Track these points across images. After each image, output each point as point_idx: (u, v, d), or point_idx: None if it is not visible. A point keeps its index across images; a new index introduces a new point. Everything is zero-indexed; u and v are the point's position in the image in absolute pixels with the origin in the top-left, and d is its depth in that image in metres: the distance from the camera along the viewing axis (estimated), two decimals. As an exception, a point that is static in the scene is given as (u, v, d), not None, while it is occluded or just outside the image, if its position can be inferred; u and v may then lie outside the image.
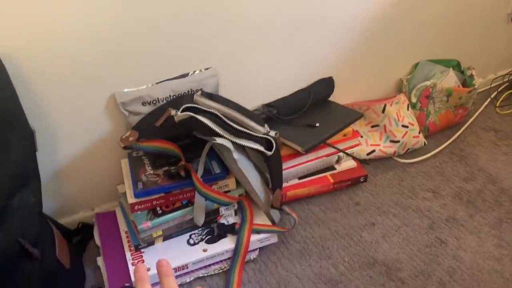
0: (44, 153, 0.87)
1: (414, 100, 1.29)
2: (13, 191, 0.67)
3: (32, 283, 0.70)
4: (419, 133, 1.23)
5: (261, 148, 0.87)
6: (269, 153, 0.87)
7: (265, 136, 0.89)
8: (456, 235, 1.00)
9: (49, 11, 0.75)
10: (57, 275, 0.78)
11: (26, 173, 0.71)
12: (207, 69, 0.97)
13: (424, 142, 1.26)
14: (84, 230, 0.99)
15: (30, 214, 0.71)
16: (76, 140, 0.91)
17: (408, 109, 1.23)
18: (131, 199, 0.86)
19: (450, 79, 1.33)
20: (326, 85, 1.17)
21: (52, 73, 0.81)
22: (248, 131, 0.88)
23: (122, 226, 0.95)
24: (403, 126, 1.20)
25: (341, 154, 1.12)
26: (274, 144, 0.87)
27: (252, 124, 0.90)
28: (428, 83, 1.28)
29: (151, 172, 0.89)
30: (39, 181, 0.76)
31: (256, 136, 0.88)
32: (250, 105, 1.07)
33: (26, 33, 0.75)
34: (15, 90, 0.72)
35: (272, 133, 0.90)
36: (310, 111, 1.11)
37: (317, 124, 1.06)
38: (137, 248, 0.89)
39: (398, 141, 1.21)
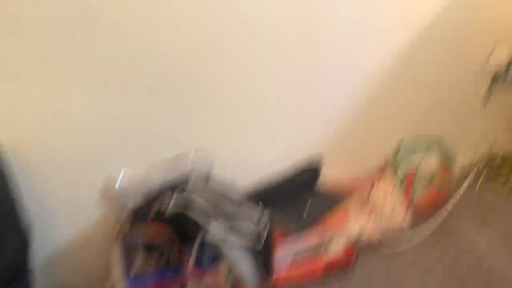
0: (38, 239, 0.87)
1: (399, 182, 1.33)
2: (5, 286, 0.67)
3: None
4: (405, 213, 1.26)
5: (252, 243, 0.89)
6: (260, 244, 0.88)
7: (256, 227, 0.91)
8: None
9: (42, 105, 0.79)
10: None
11: (19, 267, 0.72)
12: (199, 151, 1.00)
13: (410, 223, 1.28)
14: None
15: (21, 309, 0.70)
16: (69, 226, 0.92)
17: (394, 191, 1.27)
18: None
19: (433, 158, 1.38)
20: (313, 173, 1.22)
21: (48, 162, 0.83)
22: (240, 222, 0.90)
23: (112, 313, 0.93)
24: (389, 208, 1.24)
25: (329, 238, 1.13)
26: (265, 236, 0.89)
27: (244, 210, 0.92)
28: (411, 166, 1.32)
29: (144, 259, 0.90)
30: (31, 273, 0.76)
31: (248, 225, 0.90)
32: (242, 182, 1.10)
33: (24, 124, 0.78)
34: (15, 184, 0.74)
35: (263, 223, 0.92)
36: (297, 198, 1.15)
37: (305, 212, 1.09)
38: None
39: (385, 222, 1.23)
